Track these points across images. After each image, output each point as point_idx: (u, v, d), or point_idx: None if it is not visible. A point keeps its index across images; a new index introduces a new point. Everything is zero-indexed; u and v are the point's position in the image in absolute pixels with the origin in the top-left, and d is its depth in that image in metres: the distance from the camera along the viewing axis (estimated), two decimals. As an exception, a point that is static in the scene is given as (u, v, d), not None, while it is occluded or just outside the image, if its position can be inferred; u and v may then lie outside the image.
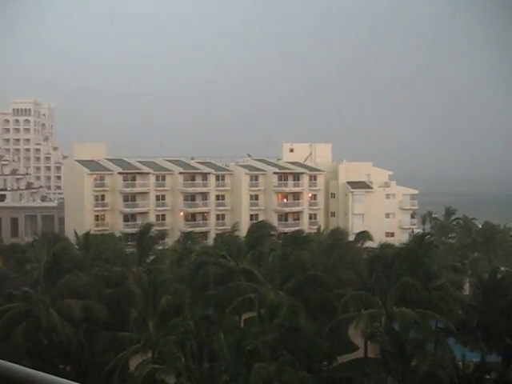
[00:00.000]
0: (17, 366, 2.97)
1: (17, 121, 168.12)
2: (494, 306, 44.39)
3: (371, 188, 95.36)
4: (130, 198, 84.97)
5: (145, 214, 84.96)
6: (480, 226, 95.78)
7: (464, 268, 72.52)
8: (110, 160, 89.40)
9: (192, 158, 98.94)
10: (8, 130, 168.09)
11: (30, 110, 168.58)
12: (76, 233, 61.88)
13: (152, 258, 59.49)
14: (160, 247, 65.29)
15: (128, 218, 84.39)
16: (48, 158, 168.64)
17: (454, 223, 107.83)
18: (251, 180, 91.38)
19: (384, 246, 56.13)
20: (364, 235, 74.19)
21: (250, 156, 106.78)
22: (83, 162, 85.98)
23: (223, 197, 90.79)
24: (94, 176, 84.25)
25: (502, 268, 69.38)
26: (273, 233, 69.20)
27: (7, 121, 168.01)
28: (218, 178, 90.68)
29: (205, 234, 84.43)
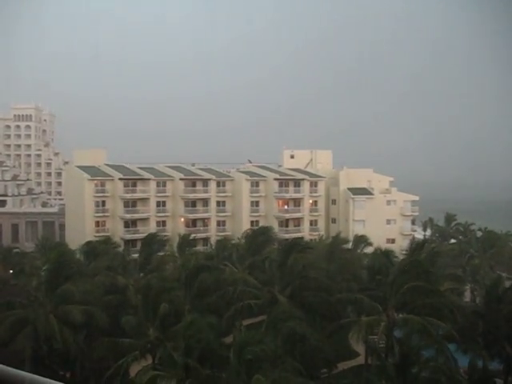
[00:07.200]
0: (18, 370, 2.93)
1: (18, 126, 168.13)
2: (497, 313, 44.23)
3: (372, 194, 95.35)
4: (130, 204, 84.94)
5: (145, 220, 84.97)
6: (480, 233, 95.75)
7: (465, 275, 72.42)
8: (110, 166, 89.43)
9: (193, 165, 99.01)
10: (9, 136, 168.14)
11: (31, 115, 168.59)
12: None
13: (153, 264, 59.46)
14: (161, 253, 65.39)
15: (129, 224, 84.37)
16: (49, 164, 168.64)
17: (455, 229, 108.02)
18: (252, 186, 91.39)
19: (384, 252, 55.90)
20: (362, 239, 74.19)
21: (250, 162, 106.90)
22: (84, 168, 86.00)
23: (224, 203, 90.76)
24: (95, 182, 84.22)
25: (504, 274, 69.32)
26: (273, 238, 69.00)
27: (8, 126, 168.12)
28: (218, 184, 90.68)
29: (205, 240, 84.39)
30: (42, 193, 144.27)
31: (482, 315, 45.38)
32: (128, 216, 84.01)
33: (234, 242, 68.59)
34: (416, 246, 54.58)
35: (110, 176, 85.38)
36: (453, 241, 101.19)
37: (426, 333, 39.95)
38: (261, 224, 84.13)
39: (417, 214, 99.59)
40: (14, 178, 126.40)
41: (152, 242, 66.24)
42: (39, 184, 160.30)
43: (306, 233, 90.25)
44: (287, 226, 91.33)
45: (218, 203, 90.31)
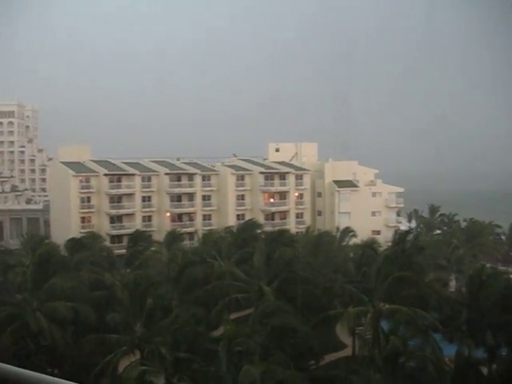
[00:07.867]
0: (10, 366, 2.91)
1: (0, 123, 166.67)
2: (481, 302, 44.76)
3: (357, 187, 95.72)
4: (115, 200, 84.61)
5: (131, 215, 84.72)
6: (465, 223, 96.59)
7: (449, 265, 73.13)
8: (95, 162, 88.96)
9: (178, 159, 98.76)
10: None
11: (13, 112, 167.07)
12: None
13: (140, 259, 59.37)
14: (148, 248, 65.28)
15: (114, 219, 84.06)
16: (33, 161, 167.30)
17: (439, 220, 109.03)
18: (237, 180, 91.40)
19: (369, 244, 56.28)
20: (348, 231, 74.69)
21: (235, 156, 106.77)
22: (68, 164, 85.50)
23: (209, 197, 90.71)
24: (80, 178, 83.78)
25: (488, 265, 70.04)
26: (259, 231, 69.15)
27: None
28: (204, 178, 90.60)
29: (191, 235, 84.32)
30: (26, 189, 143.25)
31: (465, 305, 45.92)
32: (113, 211, 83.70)
33: (220, 235, 68.63)
34: (399, 237, 54.96)
35: (95, 172, 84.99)
36: (438, 231, 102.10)
37: (412, 323, 40.36)
38: (247, 218, 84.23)
39: (402, 205, 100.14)
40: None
41: (138, 238, 66.18)
42: (23, 181, 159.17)
43: (292, 226, 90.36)
44: (273, 220, 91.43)
45: (204, 197, 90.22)
